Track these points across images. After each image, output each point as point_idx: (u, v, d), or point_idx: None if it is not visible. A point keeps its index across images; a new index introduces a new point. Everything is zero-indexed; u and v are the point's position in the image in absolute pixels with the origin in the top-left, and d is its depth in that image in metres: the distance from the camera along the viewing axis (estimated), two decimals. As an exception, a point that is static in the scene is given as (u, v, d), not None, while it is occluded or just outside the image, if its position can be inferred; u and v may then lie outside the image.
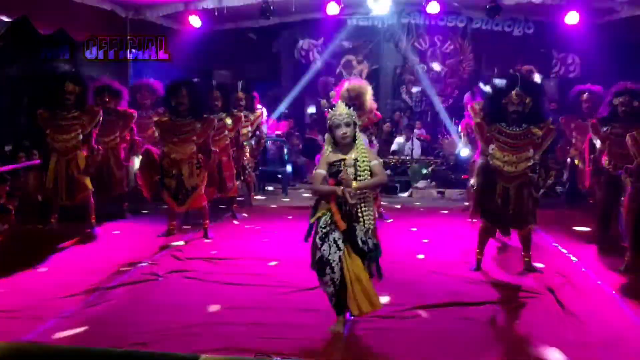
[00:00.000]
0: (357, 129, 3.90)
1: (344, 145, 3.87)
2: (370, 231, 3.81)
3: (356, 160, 3.82)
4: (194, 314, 4.12)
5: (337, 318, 3.87)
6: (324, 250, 3.74)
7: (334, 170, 3.82)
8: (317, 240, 3.80)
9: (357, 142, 3.87)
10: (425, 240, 6.45)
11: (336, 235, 3.74)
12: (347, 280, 3.71)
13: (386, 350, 3.60)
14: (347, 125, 3.83)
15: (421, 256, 5.73)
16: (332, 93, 4.22)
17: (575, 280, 4.90)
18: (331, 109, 3.93)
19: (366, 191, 3.80)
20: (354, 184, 3.72)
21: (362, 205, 3.80)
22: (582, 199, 8.00)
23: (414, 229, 7.04)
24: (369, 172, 3.80)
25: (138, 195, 8.06)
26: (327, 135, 3.97)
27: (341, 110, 3.86)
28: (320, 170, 3.85)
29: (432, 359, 3.54)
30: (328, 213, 3.78)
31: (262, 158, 9.55)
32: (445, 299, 4.41)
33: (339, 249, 3.72)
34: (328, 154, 3.89)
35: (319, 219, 3.83)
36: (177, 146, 6.22)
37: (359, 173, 3.79)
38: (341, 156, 3.84)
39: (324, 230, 3.77)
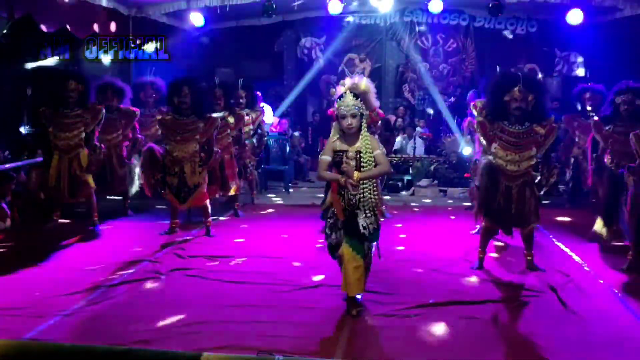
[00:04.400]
0: (364, 120, 3.94)
1: (349, 135, 3.96)
2: (371, 218, 3.95)
3: (359, 152, 3.90)
4: (196, 311, 4.11)
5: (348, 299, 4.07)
6: (332, 239, 4.03)
7: (337, 160, 3.94)
8: (327, 230, 4.07)
9: (362, 132, 3.92)
10: (427, 239, 6.44)
11: (340, 223, 4.01)
12: (344, 261, 3.96)
13: (387, 349, 3.60)
14: (353, 116, 3.90)
15: (423, 255, 5.71)
16: (333, 90, 4.24)
17: (578, 279, 4.89)
18: (339, 99, 3.98)
19: (369, 180, 3.92)
20: (356, 174, 3.82)
21: (365, 193, 3.90)
22: (585, 198, 8.00)
23: (416, 228, 7.03)
24: (372, 163, 3.89)
25: (140, 193, 8.10)
26: (335, 124, 4.08)
27: (348, 101, 3.91)
28: (326, 157, 3.98)
29: (433, 358, 3.54)
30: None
31: (264, 156, 9.55)
32: (447, 298, 4.41)
33: (342, 236, 3.99)
34: (334, 140, 4.00)
35: (327, 210, 4.08)
36: (180, 144, 6.22)
37: (362, 164, 3.90)
38: (345, 147, 3.95)
39: (331, 221, 4.05)
